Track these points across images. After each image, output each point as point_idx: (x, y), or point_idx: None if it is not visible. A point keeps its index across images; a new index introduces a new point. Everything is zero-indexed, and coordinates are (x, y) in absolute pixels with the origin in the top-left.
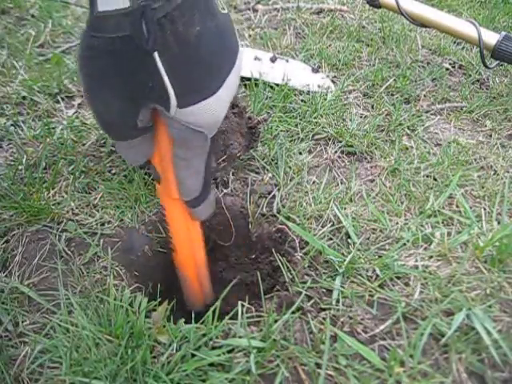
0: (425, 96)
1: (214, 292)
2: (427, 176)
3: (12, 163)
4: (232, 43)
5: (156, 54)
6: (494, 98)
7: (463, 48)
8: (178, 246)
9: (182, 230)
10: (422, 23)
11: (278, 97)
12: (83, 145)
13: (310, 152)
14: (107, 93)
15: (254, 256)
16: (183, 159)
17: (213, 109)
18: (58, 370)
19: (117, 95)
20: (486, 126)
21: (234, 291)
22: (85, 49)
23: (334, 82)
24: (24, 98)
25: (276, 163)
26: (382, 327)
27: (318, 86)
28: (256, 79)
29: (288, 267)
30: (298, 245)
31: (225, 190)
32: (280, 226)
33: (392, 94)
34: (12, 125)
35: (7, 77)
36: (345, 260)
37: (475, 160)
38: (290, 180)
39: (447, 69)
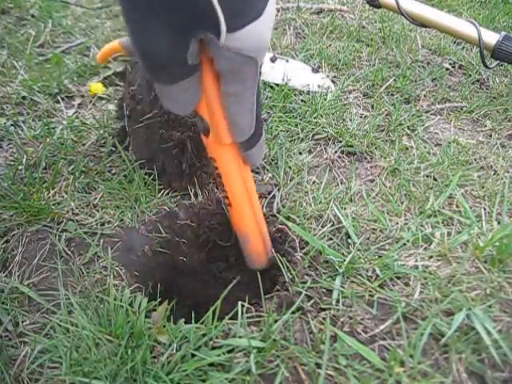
0: (425, 96)
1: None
2: (427, 176)
3: (12, 163)
4: None
5: None
6: (494, 98)
7: (463, 48)
8: (236, 198)
9: (237, 179)
10: (422, 23)
11: (278, 97)
12: (83, 145)
13: (310, 152)
14: (155, 26)
15: None
16: (233, 95)
17: (261, 31)
18: (58, 370)
19: (166, 26)
20: (485, 126)
21: (234, 291)
22: None
23: (333, 81)
24: (24, 97)
25: (276, 163)
26: (381, 327)
27: (318, 86)
28: None
29: (288, 267)
30: (297, 245)
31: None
32: (280, 226)
33: (392, 94)
34: (12, 125)
35: (7, 77)
36: (345, 260)
37: (475, 160)
38: (290, 180)
39: (447, 69)
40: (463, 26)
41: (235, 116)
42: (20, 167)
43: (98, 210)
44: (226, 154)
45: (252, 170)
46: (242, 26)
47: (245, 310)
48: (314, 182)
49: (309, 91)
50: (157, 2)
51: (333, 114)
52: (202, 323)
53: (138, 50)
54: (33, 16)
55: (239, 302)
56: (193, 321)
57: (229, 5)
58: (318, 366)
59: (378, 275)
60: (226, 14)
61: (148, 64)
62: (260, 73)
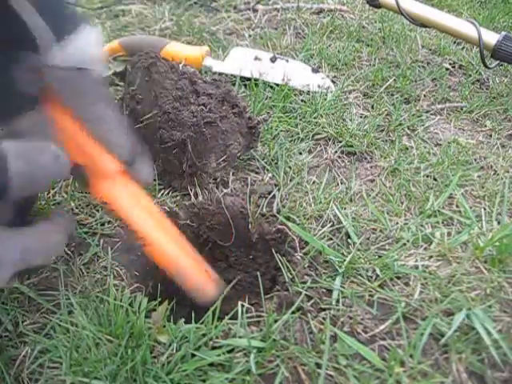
0: (425, 96)
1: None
2: (427, 176)
3: None
4: None
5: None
6: (494, 98)
7: (463, 48)
8: (147, 232)
9: (140, 211)
10: (422, 23)
11: (278, 97)
12: None
13: (310, 152)
14: None
15: (253, 256)
16: (90, 117)
17: (89, 37)
18: (58, 370)
19: None
20: (485, 126)
21: (234, 291)
22: None
23: (334, 81)
24: None
25: (276, 163)
26: (382, 327)
27: (318, 86)
28: (256, 79)
29: (288, 267)
30: (297, 245)
31: (225, 190)
32: (280, 227)
33: (392, 94)
34: None
35: None
36: (345, 260)
37: (475, 160)
38: (290, 180)
39: (447, 69)
40: (463, 26)
41: (106, 135)
42: None
43: (97, 210)
44: (115, 187)
45: (252, 170)
46: (69, 34)
47: (245, 310)
48: (313, 182)
49: (309, 91)
50: None
51: (333, 114)
52: (202, 323)
53: None
54: None
55: (239, 302)
56: (193, 321)
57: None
58: (318, 366)
59: (378, 275)
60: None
61: None
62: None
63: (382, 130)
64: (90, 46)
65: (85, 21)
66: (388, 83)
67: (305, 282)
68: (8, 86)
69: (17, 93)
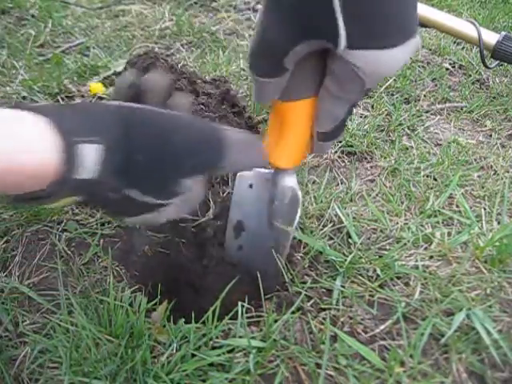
0: (425, 96)
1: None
2: (427, 176)
3: None
4: (414, 15)
5: None
6: (494, 98)
7: (463, 48)
8: None
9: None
10: (422, 23)
11: None
12: None
13: None
14: (276, 14)
15: None
16: (329, 93)
17: (382, 63)
18: (58, 370)
19: (283, 20)
20: (485, 126)
21: (234, 291)
22: None
23: None
24: (24, 98)
25: None
26: (382, 327)
27: None
28: None
29: (288, 267)
30: (298, 245)
31: (226, 190)
32: None
33: (392, 94)
34: None
35: (7, 77)
36: (345, 260)
37: (475, 160)
38: None
39: (447, 69)
40: (463, 26)
41: (323, 108)
42: None
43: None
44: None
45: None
46: (362, 48)
47: (245, 310)
48: (314, 182)
49: None
50: (285, 4)
51: None
52: (202, 323)
53: (257, 35)
54: (33, 16)
55: (239, 302)
56: (193, 321)
57: (356, 23)
58: (318, 366)
59: (378, 275)
60: (350, 31)
61: (256, 48)
62: (366, 93)
63: (382, 130)
64: (376, 69)
65: (393, 42)
66: (388, 83)
67: (305, 282)
68: (278, 53)
69: (279, 61)
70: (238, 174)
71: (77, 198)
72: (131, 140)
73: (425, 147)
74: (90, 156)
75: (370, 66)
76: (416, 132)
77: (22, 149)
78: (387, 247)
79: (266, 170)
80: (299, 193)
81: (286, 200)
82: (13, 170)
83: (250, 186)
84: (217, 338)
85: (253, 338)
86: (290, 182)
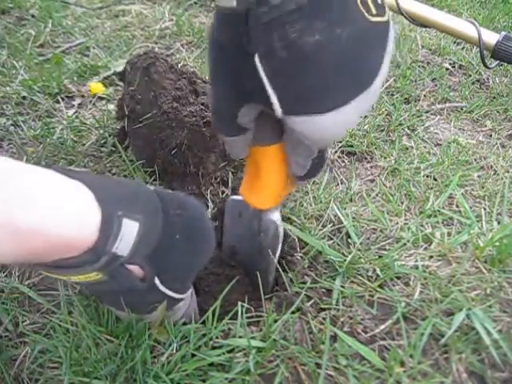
0: (425, 96)
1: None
2: (427, 176)
3: None
4: (370, 62)
5: (257, 57)
6: (494, 98)
7: (463, 48)
8: None
9: None
10: (422, 23)
11: None
12: (83, 145)
13: None
14: (217, 83)
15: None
16: (290, 147)
17: (320, 127)
18: (58, 370)
19: (223, 87)
20: (486, 126)
21: (234, 291)
22: (209, 35)
23: None
24: (24, 97)
25: None
26: (382, 327)
27: None
28: None
29: (288, 267)
30: (297, 245)
31: (226, 190)
32: None
33: (392, 94)
34: (12, 125)
35: (7, 77)
36: (345, 260)
37: (475, 160)
38: None
39: (447, 69)
40: (463, 26)
41: (289, 159)
42: None
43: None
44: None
45: None
46: (297, 114)
47: (244, 310)
48: (314, 182)
49: None
50: (222, 64)
51: None
52: (202, 323)
53: (210, 101)
54: (33, 16)
55: (239, 302)
56: (193, 321)
57: (286, 90)
58: (318, 366)
59: (378, 275)
60: (281, 97)
61: (212, 113)
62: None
63: (382, 130)
64: (317, 134)
65: (331, 105)
66: (388, 83)
67: (304, 282)
68: (230, 116)
69: (234, 122)
70: (229, 199)
71: (102, 276)
72: (169, 222)
73: (425, 147)
74: (131, 231)
75: (308, 131)
76: (416, 132)
77: (66, 219)
78: (387, 247)
79: None
80: (281, 228)
81: (270, 233)
82: (51, 238)
83: (240, 214)
84: (217, 337)
85: (253, 338)
86: (272, 216)
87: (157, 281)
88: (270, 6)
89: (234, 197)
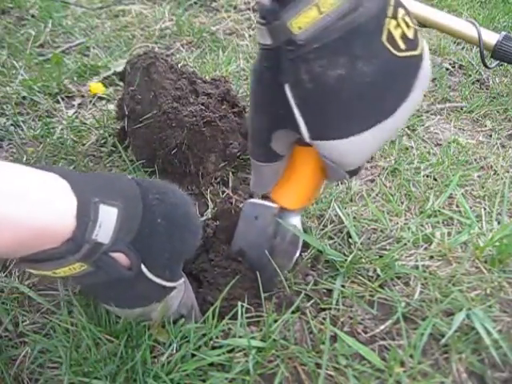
0: (425, 96)
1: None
2: (427, 176)
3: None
4: (394, 92)
5: (287, 86)
6: (494, 98)
7: (463, 48)
8: None
9: None
10: (422, 23)
11: None
12: (83, 145)
13: None
14: (256, 109)
15: None
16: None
17: (345, 151)
18: (58, 370)
19: (261, 114)
20: (486, 126)
21: (239, 285)
22: (253, 66)
23: None
24: (24, 97)
25: None
26: (382, 327)
27: None
28: None
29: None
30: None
31: (226, 190)
32: None
33: None
34: (12, 125)
35: (7, 77)
36: (346, 260)
37: (475, 160)
38: None
39: (447, 69)
40: (463, 26)
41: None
42: None
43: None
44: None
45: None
46: (323, 139)
47: (244, 310)
48: None
49: None
50: (258, 92)
51: None
52: (202, 323)
53: (248, 127)
54: (33, 16)
55: (239, 302)
56: (193, 321)
57: (313, 116)
58: (318, 366)
59: (378, 275)
60: (309, 123)
61: (249, 139)
62: (356, 173)
63: None
64: (342, 158)
65: (356, 129)
66: None
67: (305, 283)
68: (266, 139)
69: (267, 148)
70: (246, 202)
71: (88, 267)
72: (148, 207)
73: (425, 147)
74: (110, 218)
75: (333, 155)
76: (416, 132)
77: (42, 207)
78: (387, 247)
79: (274, 205)
80: (301, 235)
81: (288, 238)
82: (33, 229)
83: (256, 217)
84: (217, 337)
85: (253, 337)
86: (293, 220)
87: (144, 268)
88: (297, 45)
89: (252, 200)
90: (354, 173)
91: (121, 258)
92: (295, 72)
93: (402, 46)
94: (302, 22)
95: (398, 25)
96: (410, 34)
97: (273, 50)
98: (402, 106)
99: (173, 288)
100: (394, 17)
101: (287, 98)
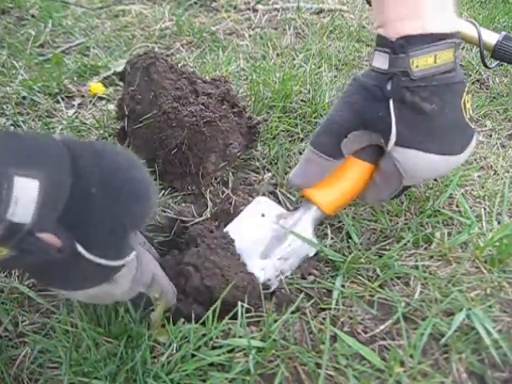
0: None
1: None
2: None
3: None
4: (460, 141)
5: (391, 101)
6: (494, 98)
7: (463, 48)
8: None
9: None
10: None
11: (278, 97)
12: None
13: None
14: (343, 107)
15: None
16: (376, 184)
17: (419, 162)
18: (58, 370)
19: (348, 112)
20: (486, 126)
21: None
22: (353, 77)
23: (334, 81)
24: (24, 97)
25: (276, 163)
26: (382, 327)
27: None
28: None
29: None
30: None
31: (225, 190)
32: None
33: None
34: (12, 125)
35: (7, 77)
36: (346, 260)
37: (475, 160)
38: None
39: None
40: (463, 26)
41: (369, 191)
42: None
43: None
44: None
45: (252, 170)
46: (406, 147)
47: (244, 310)
48: None
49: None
50: (354, 100)
51: None
52: (202, 323)
53: (325, 120)
54: (33, 16)
55: (239, 302)
56: (193, 321)
57: (405, 127)
58: (318, 365)
59: (378, 275)
60: (400, 131)
61: (322, 132)
62: (403, 191)
63: None
64: (415, 168)
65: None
66: None
67: (305, 282)
68: (337, 135)
69: (336, 145)
70: (257, 198)
71: (9, 251)
72: (81, 175)
73: None
74: (28, 192)
75: (408, 162)
76: None
77: None
78: (387, 247)
79: (281, 208)
80: (299, 236)
81: (298, 243)
82: None
83: (263, 215)
84: (217, 337)
85: (253, 337)
86: (305, 231)
87: (80, 248)
88: (410, 78)
89: (263, 197)
90: (403, 190)
91: (50, 238)
92: (401, 94)
93: (467, 114)
94: (420, 64)
95: (467, 101)
96: (468, 113)
97: (384, 74)
98: (464, 152)
99: (121, 266)
100: (467, 93)
101: (388, 108)
